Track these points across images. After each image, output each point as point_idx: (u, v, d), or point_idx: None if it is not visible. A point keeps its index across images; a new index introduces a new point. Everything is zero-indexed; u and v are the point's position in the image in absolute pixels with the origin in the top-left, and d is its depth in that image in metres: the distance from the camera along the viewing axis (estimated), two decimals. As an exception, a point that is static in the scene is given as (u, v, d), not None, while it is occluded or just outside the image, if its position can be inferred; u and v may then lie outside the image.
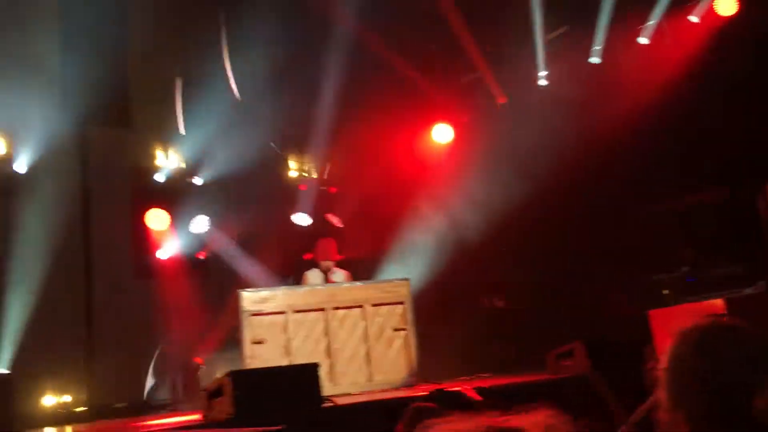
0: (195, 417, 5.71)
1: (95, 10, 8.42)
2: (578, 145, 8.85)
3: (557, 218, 9.32)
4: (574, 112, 9.07)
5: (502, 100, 9.95)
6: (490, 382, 6.30)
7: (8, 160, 9.38)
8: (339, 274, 7.70)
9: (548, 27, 9.48)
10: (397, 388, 6.87)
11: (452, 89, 10.27)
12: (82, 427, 7.53)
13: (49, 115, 9.26)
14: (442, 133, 10.41)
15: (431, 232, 10.50)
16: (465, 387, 5.14)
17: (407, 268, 10.05)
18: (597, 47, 9.27)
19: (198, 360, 8.74)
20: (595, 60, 9.38)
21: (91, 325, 9.29)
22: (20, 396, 8.32)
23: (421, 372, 7.16)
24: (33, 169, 9.35)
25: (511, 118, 9.70)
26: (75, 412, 8.71)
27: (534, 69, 9.61)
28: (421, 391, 5.91)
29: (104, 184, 9.91)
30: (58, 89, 9.32)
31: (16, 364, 8.65)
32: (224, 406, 4.74)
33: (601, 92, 8.95)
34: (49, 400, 8.86)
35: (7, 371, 8.51)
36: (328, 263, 7.66)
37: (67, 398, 8.97)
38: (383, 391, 6.75)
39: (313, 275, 7.65)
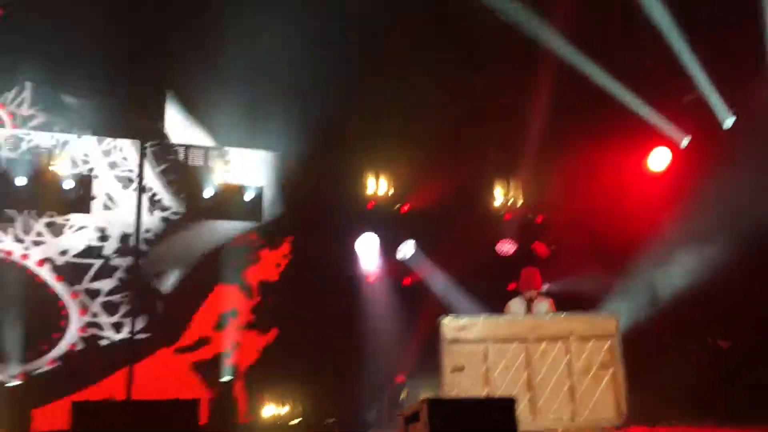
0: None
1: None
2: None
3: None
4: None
5: (728, 122, 9.08)
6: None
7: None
8: (543, 304, 7.46)
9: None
10: (603, 429, 6.47)
11: (671, 110, 9.56)
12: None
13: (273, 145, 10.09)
14: (660, 158, 9.75)
15: (648, 263, 9.84)
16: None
17: (620, 299, 9.51)
18: None
19: (400, 379, 8.95)
20: None
21: (306, 344, 9.87)
22: (244, 403, 9.13)
23: (631, 413, 6.68)
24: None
25: (740, 140, 8.81)
26: (290, 425, 9.30)
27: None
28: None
29: (318, 213, 10.51)
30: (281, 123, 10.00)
31: (241, 373, 9.50)
32: (420, 433, 4.76)
33: None
34: (269, 410, 9.55)
35: (230, 377, 9.37)
36: (532, 292, 7.45)
37: (284, 410, 9.60)
38: (589, 431, 6.39)
39: (516, 304, 7.49)
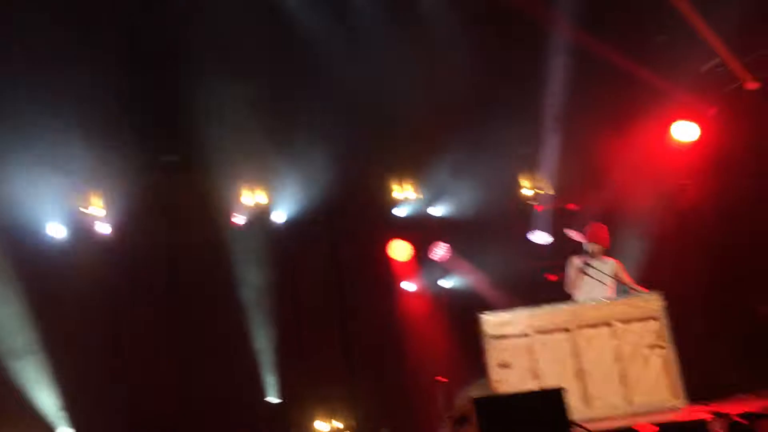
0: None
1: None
2: None
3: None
4: None
5: (752, 86, 8.90)
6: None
7: (267, 210, 10.50)
8: (610, 264, 7.27)
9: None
10: (662, 411, 6.34)
11: (691, 81, 9.41)
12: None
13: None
14: (684, 131, 9.60)
15: (686, 238, 9.68)
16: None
17: (661, 278, 9.35)
18: None
19: (441, 378, 8.91)
20: None
21: (350, 354, 9.90)
22: (293, 423, 9.15)
23: (688, 392, 6.53)
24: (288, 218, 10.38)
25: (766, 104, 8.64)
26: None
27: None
28: (692, 413, 5.38)
29: (349, 221, 10.54)
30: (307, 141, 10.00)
31: (286, 393, 9.51)
32: (471, 433, 4.73)
33: None
34: (321, 426, 9.56)
35: (278, 400, 9.40)
36: (595, 246, 7.28)
37: (338, 424, 9.61)
38: (647, 414, 6.25)
39: (576, 260, 7.33)
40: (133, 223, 9.83)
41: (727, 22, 8.44)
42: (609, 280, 7.19)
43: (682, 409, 6.26)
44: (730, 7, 8.23)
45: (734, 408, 4.84)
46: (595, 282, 7.18)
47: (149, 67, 8.88)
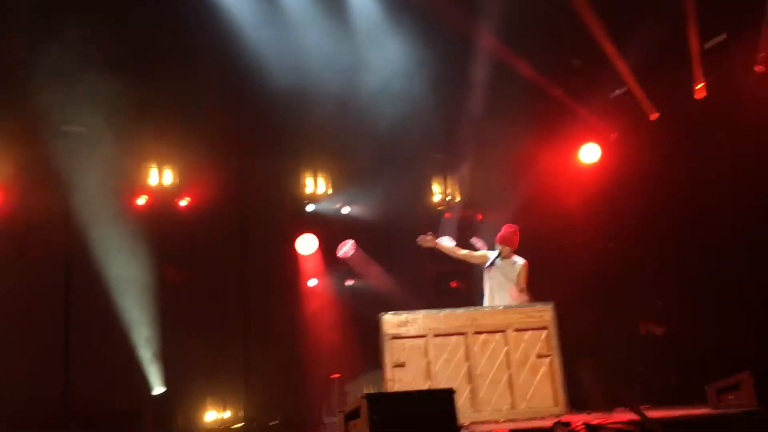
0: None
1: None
2: (742, 163, 8.16)
3: (724, 240, 8.60)
4: (735, 127, 8.38)
5: (654, 116, 9.40)
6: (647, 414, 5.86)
7: (175, 192, 10.21)
8: (520, 263, 7.49)
9: (705, 35, 8.85)
10: (543, 418, 6.60)
11: (600, 106, 9.85)
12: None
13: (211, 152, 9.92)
14: (590, 153, 10.04)
15: (582, 254, 10.09)
16: (620, 419, 4.84)
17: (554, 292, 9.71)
18: (762, 54, 8.50)
19: (336, 375, 8.96)
20: (760, 68, 8.61)
21: (247, 347, 9.78)
22: (183, 412, 8.95)
23: (569, 401, 6.83)
24: (196, 202, 10.13)
25: (664, 134, 9.14)
26: (233, 429, 9.19)
27: (690, 81, 8.98)
28: (570, 421, 5.61)
29: (259, 212, 10.41)
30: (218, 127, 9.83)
31: (180, 382, 9.28)
32: (360, 429, 4.77)
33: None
34: (211, 416, 9.41)
35: (163, 389, 9.16)
36: (505, 248, 7.51)
37: (227, 414, 9.49)
38: (528, 420, 6.49)
39: (491, 254, 7.54)
40: (26, 194, 9.30)
41: (638, 53, 8.89)
42: (513, 280, 7.43)
43: (560, 417, 6.51)
44: (641, 38, 8.67)
45: (591, 418, 5.12)
46: (499, 282, 7.41)
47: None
